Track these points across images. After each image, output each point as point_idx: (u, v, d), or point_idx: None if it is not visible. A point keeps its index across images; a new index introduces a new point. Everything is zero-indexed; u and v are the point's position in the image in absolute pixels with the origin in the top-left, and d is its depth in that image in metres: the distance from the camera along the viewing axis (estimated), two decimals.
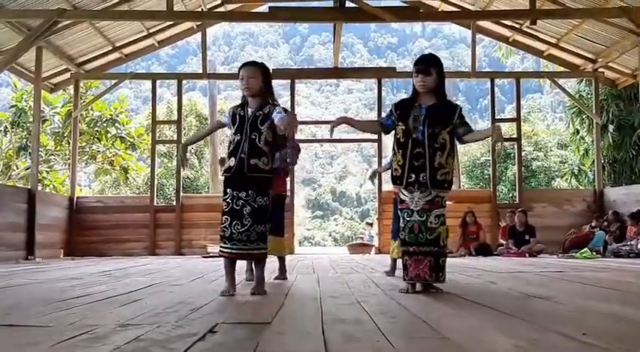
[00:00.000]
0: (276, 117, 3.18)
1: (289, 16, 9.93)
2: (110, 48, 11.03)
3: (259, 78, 3.29)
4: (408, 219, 3.23)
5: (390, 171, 3.72)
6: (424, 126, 3.21)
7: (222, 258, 3.28)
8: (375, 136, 10.75)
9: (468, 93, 61.48)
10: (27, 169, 12.96)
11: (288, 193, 10.69)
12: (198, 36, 11.58)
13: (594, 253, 8.65)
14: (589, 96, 12.55)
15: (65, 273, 5.23)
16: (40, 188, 10.82)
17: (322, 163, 60.68)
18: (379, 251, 10.75)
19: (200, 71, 11.79)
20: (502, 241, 10.01)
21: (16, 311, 2.55)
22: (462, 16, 11.52)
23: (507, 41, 11.97)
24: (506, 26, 11.41)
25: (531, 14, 9.19)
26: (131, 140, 13.82)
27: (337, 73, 12.64)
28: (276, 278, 4.33)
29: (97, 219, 10.71)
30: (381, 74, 12.13)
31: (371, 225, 14.85)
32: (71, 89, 11.90)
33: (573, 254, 8.67)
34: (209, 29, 11.81)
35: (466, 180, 18.77)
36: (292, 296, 3.17)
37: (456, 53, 68.07)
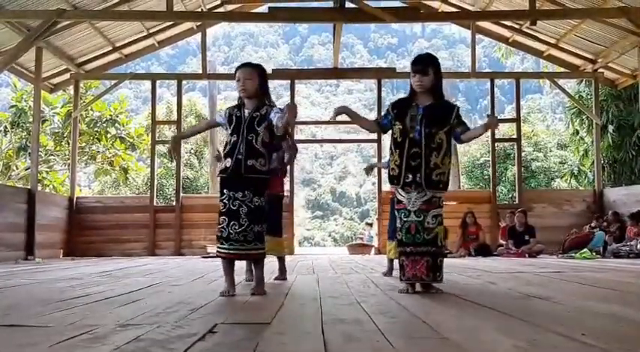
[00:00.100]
0: (274, 117, 3.19)
1: (289, 17, 9.93)
2: (110, 48, 11.03)
3: (256, 79, 3.29)
4: (405, 219, 3.23)
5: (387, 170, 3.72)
6: (421, 125, 3.21)
7: (221, 259, 3.28)
8: (375, 136, 10.75)
9: (468, 93, 61.51)
10: (27, 169, 12.96)
11: (287, 193, 10.81)
12: (198, 36, 11.58)
13: (594, 253, 8.65)
14: (589, 96, 12.56)
15: (65, 273, 5.23)
16: (39, 188, 10.82)
17: (322, 163, 60.69)
18: (379, 251, 10.76)
19: (200, 71, 11.80)
20: (502, 241, 10.02)
21: (16, 312, 2.55)
22: (461, 17, 11.53)
23: (507, 42, 11.98)
24: (505, 27, 11.42)
25: (531, 15, 9.20)
26: (131, 140, 13.82)
27: (337, 73, 12.63)
28: (275, 278, 4.33)
29: (96, 219, 10.71)
30: (380, 75, 12.14)
31: (370, 225, 14.85)
32: (71, 89, 11.90)
33: (573, 254, 8.68)
34: (209, 29, 11.80)
35: (466, 181, 18.78)
36: (292, 297, 3.17)
37: (456, 53, 68.10)
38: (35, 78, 9.83)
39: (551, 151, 19.78)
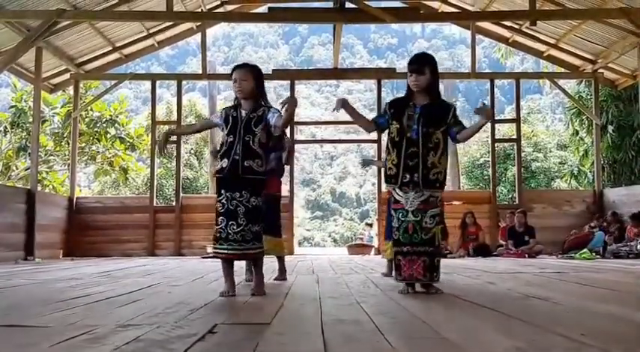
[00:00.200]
0: (272, 118, 3.20)
1: (289, 17, 9.94)
2: (110, 48, 11.03)
3: (252, 80, 3.29)
4: (402, 219, 3.23)
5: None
6: (418, 125, 3.21)
7: (220, 259, 3.28)
8: (375, 136, 10.75)
9: (468, 93, 61.49)
10: (26, 170, 12.96)
11: (287, 193, 10.80)
12: (197, 36, 11.58)
13: (593, 254, 8.65)
14: (589, 97, 12.56)
15: (65, 274, 5.23)
16: (39, 188, 10.81)
17: (322, 164, 60.66)
18: (379, 251, 10.75)
19: (200, 72, 11.80)
20: (501, 242, 10.02)
21: (16, 312, 2.55)
22: (461, 17, 11.53)
23: (507, 42, 11.98)
24: (505, 27, 11.42)
25: (531, 15, 9.19)
26: (131, 141, 13.82)
27: (337, 73, 12.64)
28: (275, 278, 4.33)
29: (96, 219, 10.70)
30: (380, 75, 12.13)
31: (370, 225, 14.85)
32: (71, 89, 11.90)
33: (573, 255, 8.68)
34: (209, 30, 11.80)
35: (466, 181, 18.78)
36: (292, 297, 3.17)
37: (456, 54, 68.10)
38: (35, 78, 9.83)
39: (551, 152, 19.78)
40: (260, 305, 2.81)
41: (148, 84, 11.95)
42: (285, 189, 11.39)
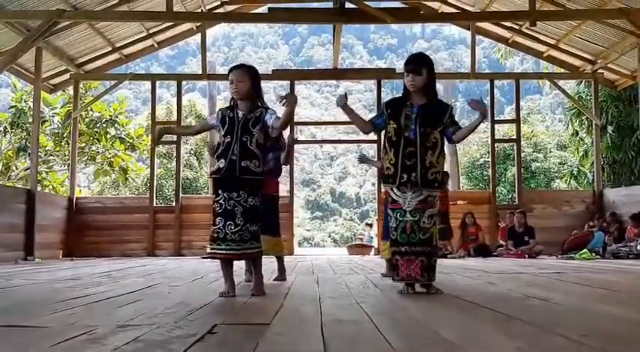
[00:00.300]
0: (270, 119, 3.20)
1: (289, 17, 9.92)
2: (110, 49, 11.02)
3: (248, 81, 3.28)
4: (400, 219, 3.22)
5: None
6: (416, 125, 3.21)
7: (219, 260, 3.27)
8: (375, 137, 10.75)
9: (468, 94, 61.45)
10: (26, 170, 12.95)
11: (287, 193, 10.79)
12: (197, 37, 11.58)
13: (593, 254, 8.66)
14: (588, 97, 12.57)
15: (64, 274, 5.23)
16: (39, 189, 10.82)
17: (322, 164, 60.65)
18: (378, 252, 10.74)
19: (200, 72, 11.80)
20: (501, 242, 10.02)
21: (16, 312, 2.55)
22: (461, 18, 11.54)
23: (507, 42, 11.98)
24: (505, 27, 11.42)
25: (531, 16, 9.19)
26: (130, 141, 13.82)
27: (337, 74, 12.64)
28: (275, 279, 4.33)
29: (96, 219, 10.70)
30: (380, 75, 12.12)
31: (370, 225, 14.84)
32: (71, 90, 11.90)
33: (572, 255, 8.68)
34: (209, 30, 11.80)
35: (466, 181, 18.78)
36: (291, 297, 3.17)
37: (456, 54, 68.09)
38: (35, 78, 9.83)
39: (550, 152, 19.79)
40: (260, 306, 2.80)
41: (147, 84, 11.95)
42: (284, 190, 11.40)
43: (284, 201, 10.46)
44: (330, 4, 9.83)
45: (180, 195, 11.01)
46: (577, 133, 13.59)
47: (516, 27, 11.19)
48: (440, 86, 16.25)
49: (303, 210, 47.93)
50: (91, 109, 13.27)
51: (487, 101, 11.68)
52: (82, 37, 10.29)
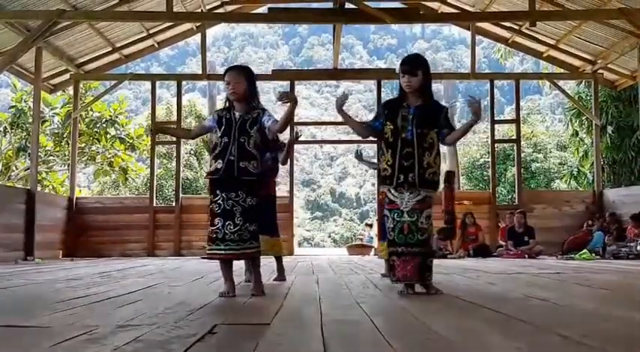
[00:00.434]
0: (268, 121, 3.20)
1: (289, 18, 9.92)
2: (110, 49, 11.03)
3: (244, 82, 3.28)
4: (397, 219, 3.22)
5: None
6: (413, 125, 3.22)
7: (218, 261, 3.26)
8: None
9: (468, 94, 61.44)
10: (26, 170, 12.95)
11: (287, 194, 10.79)
12: (197, 37, 11.58)
13: (593, 254, 8.66)
14: (588, 97, 12.56)
15: (64, 274, 5.23)
16: (39, 189, 10.82)
17: (322, 164, 60.65)
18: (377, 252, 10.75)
19: (200, 72, 11.81)
20: (501, 242, 10.02)
21: (15, 312, 2.55)
22: (461, 18, 11.54)
23: (507, 42, 11.98)
24: (505, 28, 11.42)
25: (531, 16, 9.19)
26: (130, 141, 13.82)
27: (337, 74, 12.63)
28: (275, 279, 4.33)
29: (96, 219, 10.70)
30: (380, 75, 12.13)
31: (370, 226, 14.84)
32: (71, 90, 11.90)
33: (572, 255, 8.68)
34: (209, 30, 11.81)
35: (466, 182, 18.78)
36: (291, 297, 3.17)
37: (456, 54, 68.09)
38: (35, 78, 9.83)
39: (550, 152, 19.79)
40: (260, 306, 2.81)
41: (147, 84, 11.95)
42: (284, 190, 11.41)
43: (284, 201, 10.48)
44: (330, 4, 9.84)
45: (180, 195, 11.02)
46: (577, 133, 13.59)
47: (516, 27, 11.19)
48: (440, 86, 16.26)
49: (303, 211, 47.92)
50: (91, 109, 13.27)
51: (487, 101, 11.70)
52: (82, 37, 10.29)
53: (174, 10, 9.64)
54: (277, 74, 11.99)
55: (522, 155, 12.71)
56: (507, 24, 11.21)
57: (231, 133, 3.21)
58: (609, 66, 11.12)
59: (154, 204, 11.09)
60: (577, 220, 10.47)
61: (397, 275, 3.22)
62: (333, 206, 53.44)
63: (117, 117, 13.70)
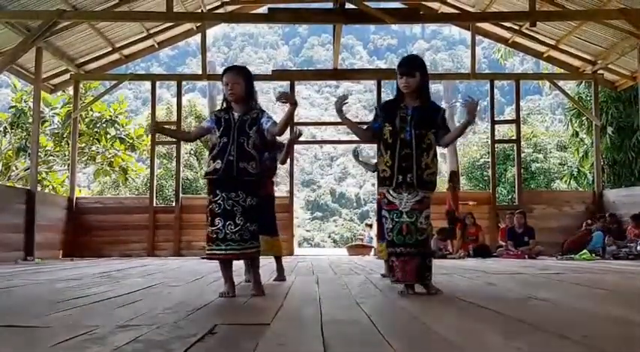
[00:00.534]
0: (267, 123, 3.20)
1: (289, 18, 9.92)
2: (110, 49, 11.03)
3: (243, 83, 3.27)
4: (397, 220, 3.22)
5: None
6: (411, 126, 3.23)
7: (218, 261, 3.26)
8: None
9: (468, 94, 61.49)
10: (26, 170, 12.96)
11: (286, 194, 10.79)
12: (197, 37, 11.59)
13: (593, 255, 8.66)
14: (588, 98, 12.56)
15: (64, 274, 5.23)
16: (39, 189, 10.81)
17: (322, 164, 60.70)
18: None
19: (200, 72, 11.81)
20: (501, 242, 10.02)
21: (16, 312, 2.55)
22: (461, 18, 11.54)
23: (507, 43, 11.98)
24: (505, 28, 11.42)
25: (531, 16, 9.19)
26: (130, 141, 13.82)
27: (337, 74, 12.63)
28: (275, 279, 4.33)
29: (96, 219, 10.70)
30: (380, 76, 12.11)
31: (370, 226, 14.84)
32: (71, 90, 11.90)
33: (572, 256, 8.68)
34: (209, 30, 11.81)
35: (466, 182, 18.78)
36: (291, 298, 3.17)
37: (456, 55, 68.13)
38: (35, 78, 9.83)
39: (550, 152, 19.78)
40: (260, 306, 2.80)
41: (147, 84, 11.95)
42: (284, 190, 11.41)
43: (284, 201, 10.48)
44: (330, 5, 9.84)
45: (180, 195, 11.02)
46: (577, 134, 13.59)
47: (516, 27, 11.19)
48: (440, 86, 16.26)
49: (303, 211, 47.95)
50: (91, 109, 13.27)
51: (487, 101, 11.69)
52: (83, 37, 10.29)
53: (175, 10, 9.64)
54: (277, 74, 11.99)
55: (522, 155, 12.71)
56: (507, 24, 11.21)
57: (230, 134, 3.21)
58: (609, 66, 11.12)
59: (154, 204, 11.09)
60: (577, 221, 10.47)
61: (397, 276, 3.22)
62: (333, 206, 53.48)
63: (117, 117, 13.70)
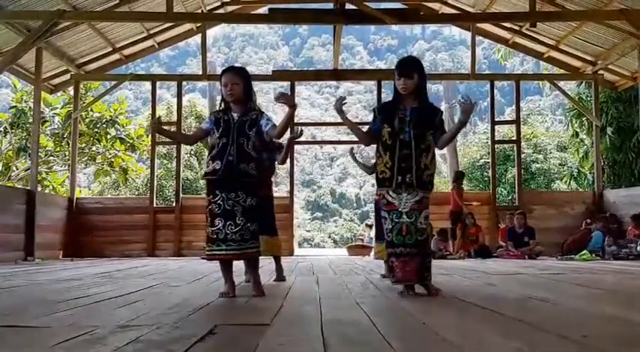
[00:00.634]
0: (266, 125, 3.20)
1: (289, 18, 9.92)
2: (110, 49, 11.03)
3: (242, 83, 3.27)
4: (396, 220, 3.22)
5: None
6: (410, 127, 3.23)
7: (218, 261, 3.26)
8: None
9: (468, 95, 61.45)
10: (26, 170, 12.96)
11: (287, 194, 10.79)
12: (198, 37, 11.59)
13: (593, 255, 8.66)
14: (588, 98, 12.55)
15: (64, 274, 5.23)
16: (39, 189, 10.82)
17: (322, 165, 60.70)
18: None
19: (200, 72, 11.81)
20: (501, 243, 10.02)
21: (16, 312, 2.55)
22: (462, 19, 11.54)
23: (507, 43, 11.98)
24: (506, 28, 11.42)
25: (531, 17, 9.20)
26: (131, 141, 13.82)
27: (337, 74, 12.63)
28: (275, 279, 4.33)
29: (96, 220, 10.70)
30: (380, 76, 12.10)
31: (370, 226, 14.83)
32: (71, 90, 11.91)
33: (572, 256, 8.68)
34: (209, 31, 11.81)
35: (465, 183, 18.74)
36: (291, 298, 3.17)
37: (456, 55, 68.13)
38: (35, 79, 9.84)
39: (550, 153, 19.78)
40: (260, 306, 2.80)
41: (148, 84, 11.95)
42: (284, 190, 11.41)
43: (284, 201, 10.49)
44: (330, 5, 9.83)
45: (181, 195, 11.02)
46: (577, 134, 13.58)
47: (516, 28, 11.19)
48: (440, 87, 16.28)
49: (303, 211, 47.96)
50: (92, 110, 13.27)
51: (487, 102, 11.69)
52: (83, 37, 10.30)
53: (175, 10, 9.64)
54: (277, 75, 11.99)
55: (522, 156, 12.71)
56: (508, 25, 11.21)
57: (230, 134, 3.21)
58: (609, 67, 11.12)
59: (155, 205, 11.09)
60: (577, 221, 10.47)
61: (397, 277, 3.22)
62: (333, 206, 53.48)
63: (117, 117, 13.71)
